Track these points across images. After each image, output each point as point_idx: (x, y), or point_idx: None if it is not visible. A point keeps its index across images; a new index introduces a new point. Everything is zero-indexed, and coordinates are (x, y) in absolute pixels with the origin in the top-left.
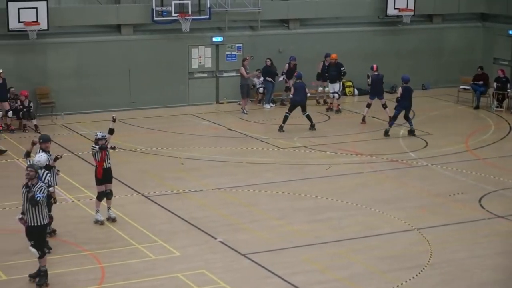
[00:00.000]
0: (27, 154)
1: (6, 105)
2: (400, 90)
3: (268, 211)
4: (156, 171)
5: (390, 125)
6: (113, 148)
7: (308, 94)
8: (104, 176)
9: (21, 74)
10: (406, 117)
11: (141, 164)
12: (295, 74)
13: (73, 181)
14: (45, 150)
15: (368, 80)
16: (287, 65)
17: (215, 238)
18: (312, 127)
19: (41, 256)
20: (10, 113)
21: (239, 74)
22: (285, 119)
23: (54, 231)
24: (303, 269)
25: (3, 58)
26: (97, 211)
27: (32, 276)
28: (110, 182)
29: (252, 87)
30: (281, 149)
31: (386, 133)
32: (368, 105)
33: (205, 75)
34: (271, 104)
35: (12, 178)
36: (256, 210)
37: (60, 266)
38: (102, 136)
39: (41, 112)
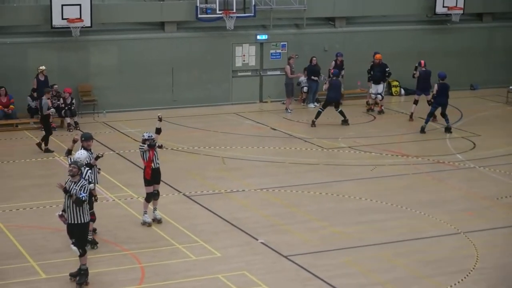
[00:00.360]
0: (68, 152)
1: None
2: (436, 86)
3: (311, 212)
4: (198, 170)
5: (426, 122)
6: (160, 146)
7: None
8: (152, 177)
9: (63, 71)
10: (443, 114)
11: (183, 163)
12: (332, 71)
13: (114, 180)
14: (86, 148)
15: (415, 72)
16: (333, 62)
17: (257, 239)
18: (345, 122)
19: (82, 255)
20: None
21: (283, 73)
22: (318, 114)
23: (94, 229)
24: (345, 271)
25: (46, 55)
26: (145, 212)
27: (73, 275)
28: (158, 182)
29: (298, 84)
30: (325, 150)
31: (422, 130)
32: (415, 102)
33: (249, 73)
34: (315, 104)
35: (52, 176)
36: (298, 211)
37: (100, 265)
38: (149, 136)
39: (83, 109)
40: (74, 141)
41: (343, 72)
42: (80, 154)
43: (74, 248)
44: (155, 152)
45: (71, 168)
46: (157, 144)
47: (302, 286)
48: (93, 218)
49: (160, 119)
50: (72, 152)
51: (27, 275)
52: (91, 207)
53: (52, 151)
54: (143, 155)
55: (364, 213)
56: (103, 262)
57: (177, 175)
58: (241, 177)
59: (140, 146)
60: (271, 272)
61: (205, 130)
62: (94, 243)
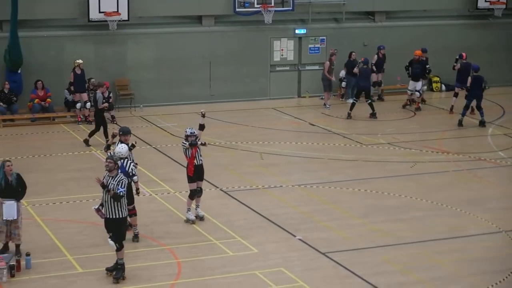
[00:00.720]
0: (107, 147)
1: (85, 96)
2: (469, 79)
3: (349, 209)
4: (235, 165)
5: (463, 115)
6: (203, 144)
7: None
8: (195, 174)
9: (100, 65)
10: (478, 107)
11: (220, 159)
12: (362, 59)
13: (151, 174)
14: (124, 143)
15: (455, 64)
16: (376, 55)
17: (294, 236)
18: (373, 115)
19: (119, 249)
20: (88, 104)
21: (322, 68)
22: (352, 106)
23: (130, 224)
24: (384, 269)
25: (83, 48)
26: (188, 209)
27: (109, 270)
28: (202, 179)
29: (340, 80)
30: (364, 146)
31: (460, 123)
32: (455, 95)
33: (287, 68)
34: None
35: (89, 170)
36: (337, 208)
37: (136, 260)
38: (191, 132)
39: (119, 103)
40: (113, 136)
41: (384, 66)
42: (121, 148)
43: (111, 242)
44: (198, 149)
45: (107, 163)
46: (201, 142)
47: (340, 284)
48: (133, 212)
49: (203, 115)
50: (111, 146)
51: (63, 269)
52: (132, 202)
53: (90, 145)
54: (186, 151)
55: (403, 210)
56: (140, 257)
57: (214, 170)
58: (279, 172)
59: (183, 143)
60: (308, 269)
61: (242, 125)
62: (136, 237)
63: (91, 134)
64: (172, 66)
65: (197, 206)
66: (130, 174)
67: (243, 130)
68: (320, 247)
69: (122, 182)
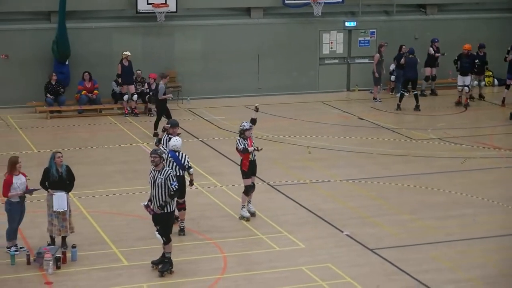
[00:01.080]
0: (159, 141)
1: (132, 88)
2: None
3: (398, 205)
4: (283, 159)
5: None
6: (257, 149)
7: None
8: (250, 169)
9: (148, 56)
10: None
11: (268, 152)
12: (407, 49)
13: (198, 168)
14: (172, 135)
15: (507, 56)
16: (430, 48)
17: (342, 231)
18: (417, 107)
19: (166, 243)
20: (135, 97)
21: (372, 61)
22: (401, 97)
23: (177, 218)
24: (433, 267)
25: (131, 40)
26: (243, 206)
27: (154, 263)
28: (255, 174)
29: (390, 73)
30: (413, 141)
31: (511, 117)
32: (507, 87)
33: (336, 61)
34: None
35: (136, 163)
36: (385, 203)
37: (182, 254)
38: (250, 126)
39: None
40: (165, 129)
41: (439, 60)
42: (176, 141)
43: (158, 236)
44: (253, 144)
45: (152, 158)
46: (256, 148)
47: (387, 280)
48: (183, 206)
49: (257, 110)
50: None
51: (109, 261)
52: (183, 196)
53: (158, 136)
54: (237, 143)
55: (453, 207)
56: (186, 250)
57: (262, 164)
58: (326, 167)
59: (238, 139)
60: (356, 265)
61: (290, 118)
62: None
63: (156, 126)
64: (220, 58)
65: (249, 202)
66: (186, 167)
67: (291, 123)
68: (368, 243)
69: (170, 176)
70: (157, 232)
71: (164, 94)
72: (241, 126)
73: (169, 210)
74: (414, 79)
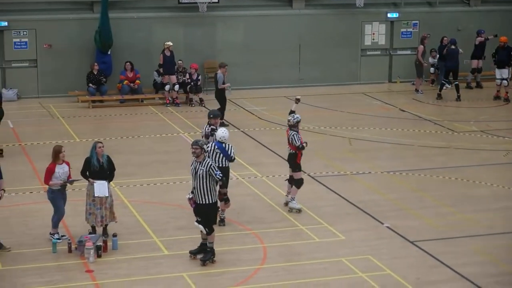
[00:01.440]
0: (212, 131)
1: (174, 79)
2: None
3: (439, 197)
4: (324, 151)
5: None
6: (306, 144)
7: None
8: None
9: (190, 47)
10: None
11: (309, 144)
12: (449, 40)
13: (238, 158)
14: (213, 125)
15: None
16: (478, 38)
17: (382, 223)
18: (458, 98)
19: (209, 233)
20: (176, 87)
21: (414, 52)
22: (442, 86)
23: (218, 208)
24: (474, 260)
25: (172, 30)
26: (293, 198)
27: (193, 253)
28: None
29: (432, 65)
30: (455, 133)
31: None
32: None
33: (378, 52)
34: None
35: (177, 153)
36: (426, 195)
37: (222, 244)
38: (300, 119)
39: (208, 86)
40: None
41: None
42: (224, 132)
43: (199, 225)
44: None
45: (193, 150)
46: (305, 142)
47: (428, 273)
48: (221, 197)
49: (297, 101)
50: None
51: (149, 250)
52: (226, 185)
53: (227, 125)
54: (295, 138)
55: (495, 200)
56: (226, 241)
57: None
58: (367, 159)
59: (295, 134)
60: (396, 258)
61: (331, 110)
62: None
63: (222, 116)
64: (261, 49)
65: (289, 192)
66: (232, 158)
67: (332, 115)
68: (409, 236)
69: (212, 167)
70: (196, 222)
71: (223, 83)
72: (295, 118)
73: (211, 201)
74: (455, 69)
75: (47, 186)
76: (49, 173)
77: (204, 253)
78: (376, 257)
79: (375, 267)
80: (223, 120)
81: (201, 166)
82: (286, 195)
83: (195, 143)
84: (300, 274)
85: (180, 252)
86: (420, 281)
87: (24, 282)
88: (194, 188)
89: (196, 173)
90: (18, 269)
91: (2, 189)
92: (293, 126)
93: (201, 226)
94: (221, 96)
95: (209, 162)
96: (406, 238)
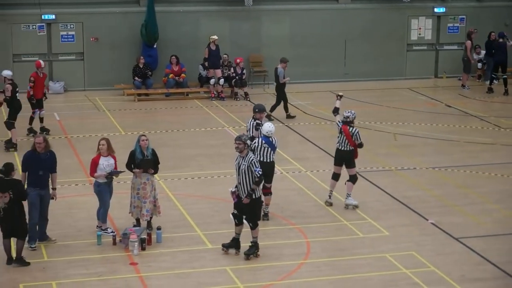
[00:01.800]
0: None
1: (219, 72)
2: None
3: (485, 194)
4: (368, 146)
5: None
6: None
7: None
8: None
9: (235, 41)
10: None
11: None
12: (496, 35)
13: (282, 153)
14: (258, 120)
15: None
16: None
17: (427, 219)
18: (506, 92)
19: (253, 228)
20: (221, 81)
21: (461, 48)
22: (491, 80)
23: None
24: None
25: (218, 24)
26: (349, 194)
27: (225, 246)
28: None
29: (479, 61)
30: (502, 129)
31: None
32: None
33: (424, 47)
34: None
35: (221, 146)
36: (471, 192)
37: (266, 239)
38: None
39: (253, 80)
40: (266, 116)
41: None
42: (270, 127)
43: (232, 218)
44: None
45: (237, 145)
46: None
47: (472, 270)
48: (269, 191)
49: (340, 98)
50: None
51: (193, 244)
52: (270, 180)
53: (294, 116)
54: (358, 136)
55: None
56: (270, 235)
57: None
58: (412, 154)
59: (358, 132)
60: (440, 254)
61: (376, 104)
62: (265, 215)
63: (272, 109)
64: (307, 43)
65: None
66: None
67: (377, 110)
68: (453, 232)
69: (254, 162)
70: (232, 215)
71: (284, 78)
72: (353, 114)
73: (255, 196)
74: (504, 63)
75: (94, 179)
76: (94, 164)
77: (249, 247)
78: (420, 253)
79: (419, 263)
80: (289, 113)
81: (244, 161)
82: (330, 195)
83: (238, 138)
84: (344, 269)
85: None
86: (464, 278)
87: (69, 273)
88: (238, 183)
89: (239, 168)
90: (63, 260)
91: (54, 188)
92: (352, 122)
93: (232, 217)
94: (280, 91)
95: (251, 157)
96: (450, 234)
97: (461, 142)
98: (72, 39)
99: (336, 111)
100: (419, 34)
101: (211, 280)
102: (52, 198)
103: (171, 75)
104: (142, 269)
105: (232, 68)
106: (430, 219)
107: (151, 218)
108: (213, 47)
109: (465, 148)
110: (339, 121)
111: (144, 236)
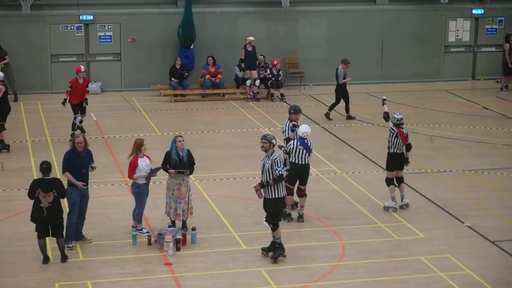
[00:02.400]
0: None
1: (255, 74)
2: None
3: None
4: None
5: None
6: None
7: None
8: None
9: (271, 42)
10: None
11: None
12: None
13: (318, 154)
14: (294, 121)
15: None
16: None
17: (463, 222)
18: None
19: (274, 229)
20: (257, 82)
21: (499, 50)
22: None
23: (296, 203)
24: None
25: (255, 25)
26: (393, 197)
27: (264, 250)
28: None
29: None
30: None
31: None
32: None
33: (462, 49)
34: None
35: (256, 148)
36: (508, 195)
37: (301, 240)
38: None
39: (289, 81)
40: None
41: None
42: (306, 129)
43: (267, 224)
44: None
45: (262, 144)
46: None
47: (508, 274)
48: (303, 193)
49: (385, 101)
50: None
51: (228, 245)
52: (305, 182)
53: (331, 119)
54: (395, 139)
55: None
56: (304, 237)
57: (382, 152)
58: (448, 156)
59: (391, 128)
60: (476, 257)
61: (413, 106)
62: (287, 216)
63: (331, 108)
64: (344, 44)
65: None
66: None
67: (413, 112)
68: (489, 235)
69: (277, 161)
70: (265, 220)
71: (344, 78)
72: (394, 116)
73: (278, 196)
74: None
75: (132, 180)
76: (133, 166)
77: (274, 250)
78: (456, 256)
79: (454, 266)
80: (328, 112)
81: (268, 160)
82: (395, 201)
83: (264, 137)
84: (378, 272)
85: (258, 247)
86: (500, 281)
87: (105, 273)
88: (265, 182)
89: (263, 166)
90: (99, 260)
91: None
92: (398, 124)
93: (266, 224)
94: (340, 91)
95: (275, 156)
96: (486, 237)
97: (498, 144)
98: (110, 40)
99: (387, 116)
100: (457, 35)
101: (245, 281)
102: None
103: (207, 76)
104: (176, 269)
105: (268, 70)
106: (466, 222)
107: (186, 218)
108: (249, 48)
109: (502, 150)
110: (392, 127)
111: (179, 236)
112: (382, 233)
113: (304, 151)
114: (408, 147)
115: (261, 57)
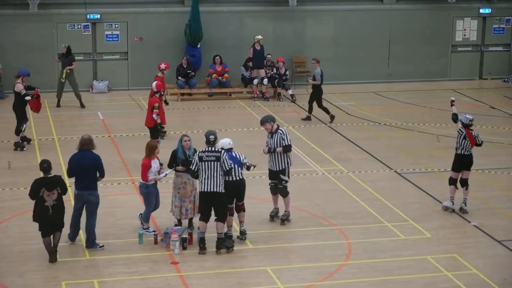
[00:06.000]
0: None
1: (262, 72)
2: None
3: None
4: (411, 147)
5: None
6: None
7: None
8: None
9: (278, 41)
10: None
11: (395, 140)
12: None
13: (325, 153)
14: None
15: None
16: None
17: (469, 222)
18: None
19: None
20: (265, 81)
21: (506, 49)
22: None
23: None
24: None
25: (262, 24)
26: (452, 197)
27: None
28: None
29: None
30: None
31: None
32: None
33: (469, 48)
34: None
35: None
36: None
37: (307, 239)
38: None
39: (296, 81)
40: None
41: None
42: (225, 141)
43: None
44: None
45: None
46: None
47: None
48: (230, 212)
49: (454, 102)
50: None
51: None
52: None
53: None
54: (463, 141)
55: None
56: (310, 236)
57: (389, 151)
58: None
59: (459, 130)
60: (483, 257)
61: (420, 106)
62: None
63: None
64: (350, 44)
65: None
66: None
67: (420, 111)
68: (496, 235)
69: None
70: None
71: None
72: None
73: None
74: None
75: (143, 181)
76: (146, 168)
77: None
78: (462, 256)
79: (461, 266)
80: (310, 115)
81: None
82: (453, 201)
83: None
84: (385, 271)
85: (263, 246)
86: (506, 281)
87: (111, 272)
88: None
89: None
90: (105, 259)
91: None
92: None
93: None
94: (319, 91)
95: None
96: (493, 237)
97: (505, 144)
98: (117, 39)
99: (456, 117)
100: (464, 35)
101: (252, 280)
102: None
103: (214, 75)
104: (183, 268)
105: (274, 69)
106: (472, 222)
107: (192, 217)
108: (257, 47)
109: (509, 150)
110: (460, 129)
111: (185, 235)
112: (388, 233)
113: (235, 165)
114: (480, 145)
115: (269, 56)
